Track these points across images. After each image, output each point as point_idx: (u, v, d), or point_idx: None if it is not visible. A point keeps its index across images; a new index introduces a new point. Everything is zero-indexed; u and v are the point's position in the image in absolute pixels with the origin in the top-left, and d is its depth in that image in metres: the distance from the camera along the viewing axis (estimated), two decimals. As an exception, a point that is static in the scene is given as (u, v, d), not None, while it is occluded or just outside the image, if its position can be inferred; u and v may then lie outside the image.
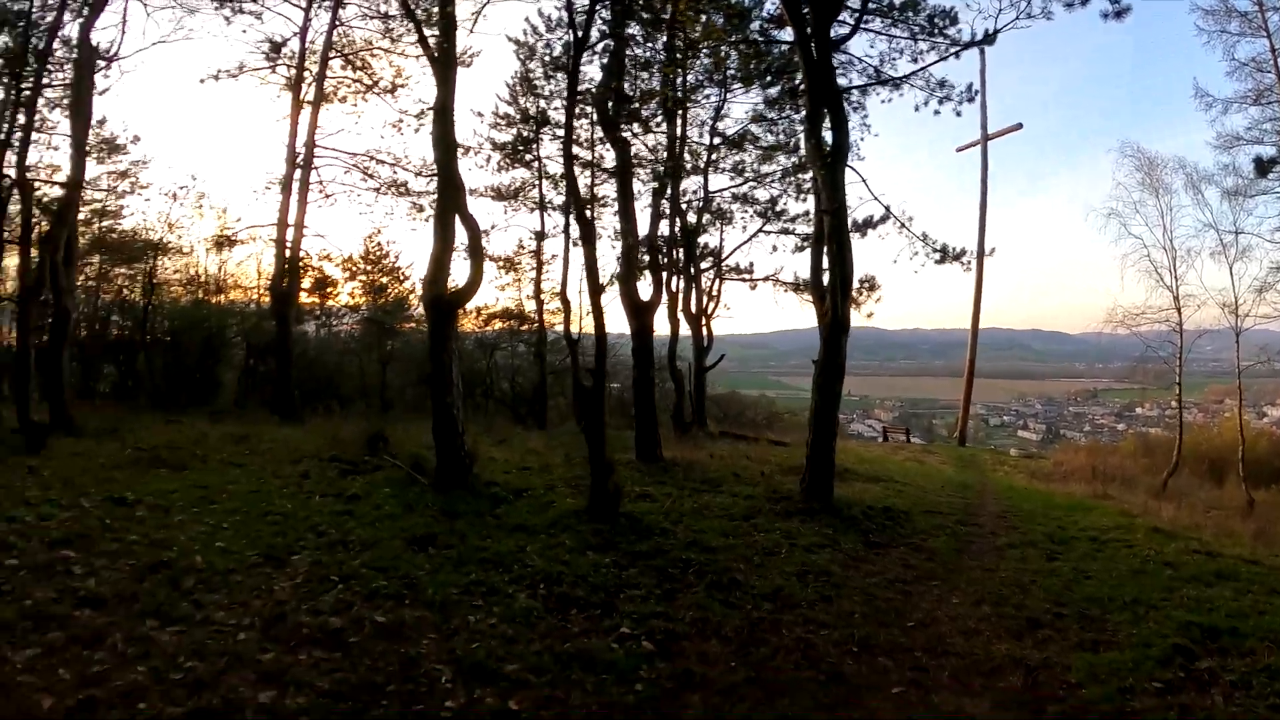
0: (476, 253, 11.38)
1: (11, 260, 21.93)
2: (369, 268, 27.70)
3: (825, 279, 12.26)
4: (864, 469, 15.31)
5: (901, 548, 8.67)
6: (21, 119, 16.73)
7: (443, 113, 11.21)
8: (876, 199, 14.63)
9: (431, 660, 4.70)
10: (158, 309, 25.03)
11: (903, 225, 17.87)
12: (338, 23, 23.01)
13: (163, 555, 6.30)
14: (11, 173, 15.90)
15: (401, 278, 28.57)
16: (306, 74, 22.99)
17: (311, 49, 23.03)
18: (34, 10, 19.02)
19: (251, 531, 7.25)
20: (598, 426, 9.47)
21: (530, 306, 28.05)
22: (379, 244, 27.58)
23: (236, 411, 20.90)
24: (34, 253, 14.89)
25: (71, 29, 17.15)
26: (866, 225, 21.80)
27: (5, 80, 20.16)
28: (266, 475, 10.18)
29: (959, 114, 15.11)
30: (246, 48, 30.33)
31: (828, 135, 11.82)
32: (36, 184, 18.33)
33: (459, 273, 11.61)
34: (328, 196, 24.31)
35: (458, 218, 11.05)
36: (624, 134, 15.98)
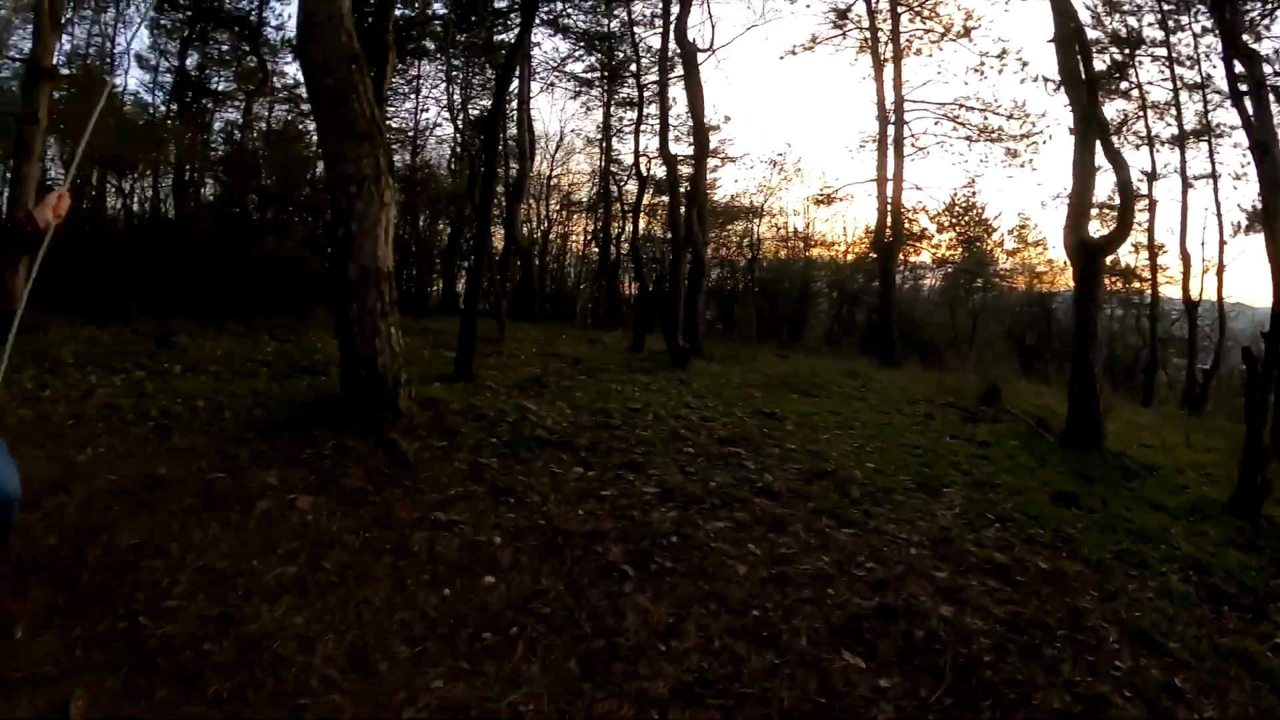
0: (1125, 193, 10.25)
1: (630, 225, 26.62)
2: (960, 219, 27.21)
3: None
4: None
5: None
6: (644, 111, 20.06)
7: (1065, 42, 10.19)
8: None
9: (1096, 617, 4.57)
10: (754, 262, 28.29)
11: None
12: (898, -25, 22.86)
13: (822, 465, 7.07)
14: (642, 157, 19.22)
15: (990, 229, 27.55)
16: (880, 33, 23.32)
17: (877, 8, 23.28)
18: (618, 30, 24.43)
19: (895, 459, 7.72)
20: (1260, 408, 7.90)
21: (1128, 261, 24.92)
22: (966, 195, 26.92)
23: (828, 351, 22.48)
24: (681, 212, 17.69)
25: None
26: None
27: (607, 87, 24.82)
28: (890, 410, 10.78)
29: None
30: (816, 20, 31.70)
31: None
32: (679, 159, 21.75)
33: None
34: (920, 149, 24.62)
35: (1100, 154, 10.09)
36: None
